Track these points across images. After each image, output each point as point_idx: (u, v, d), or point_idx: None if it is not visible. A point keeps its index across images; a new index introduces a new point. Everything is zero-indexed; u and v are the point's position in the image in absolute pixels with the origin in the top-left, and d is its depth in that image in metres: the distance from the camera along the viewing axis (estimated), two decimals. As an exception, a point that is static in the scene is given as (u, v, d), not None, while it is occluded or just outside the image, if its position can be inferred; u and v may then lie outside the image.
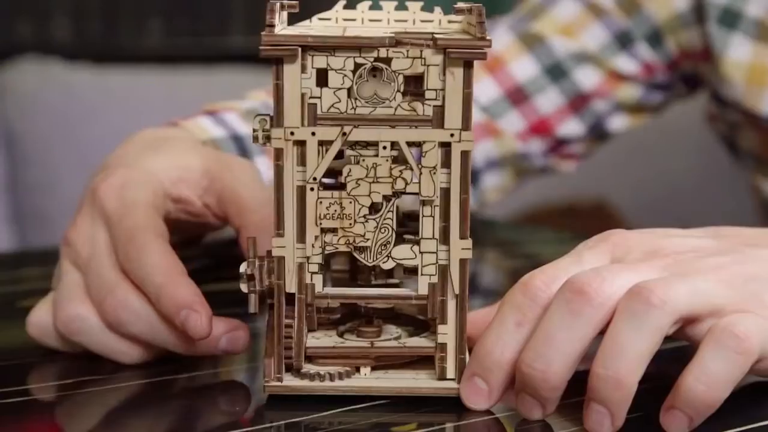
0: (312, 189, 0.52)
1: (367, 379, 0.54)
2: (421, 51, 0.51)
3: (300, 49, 0.51)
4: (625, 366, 0.49)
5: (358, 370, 0.54)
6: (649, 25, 0.92)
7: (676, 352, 0.53)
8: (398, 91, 0.51)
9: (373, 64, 0.51)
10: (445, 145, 0.52)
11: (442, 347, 0.54)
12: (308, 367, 0.54)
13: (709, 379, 0.49)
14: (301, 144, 0.52)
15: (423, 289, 0.53)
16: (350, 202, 0.52)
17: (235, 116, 0.77)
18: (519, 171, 0.98)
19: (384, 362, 0.55)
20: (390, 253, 0.53)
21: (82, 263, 0.59)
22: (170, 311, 0.55)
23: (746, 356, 0.49)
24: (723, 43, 0.89)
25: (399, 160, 0.52)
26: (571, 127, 0.95)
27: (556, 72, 0.93)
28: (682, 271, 0.51)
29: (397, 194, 0.52)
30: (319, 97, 0.51)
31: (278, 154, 0.52)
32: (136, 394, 0.56)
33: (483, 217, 1.01)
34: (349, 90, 0.51)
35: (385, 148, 0.52)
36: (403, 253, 0.53)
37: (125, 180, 0.61)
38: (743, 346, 0.49)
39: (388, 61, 0.51)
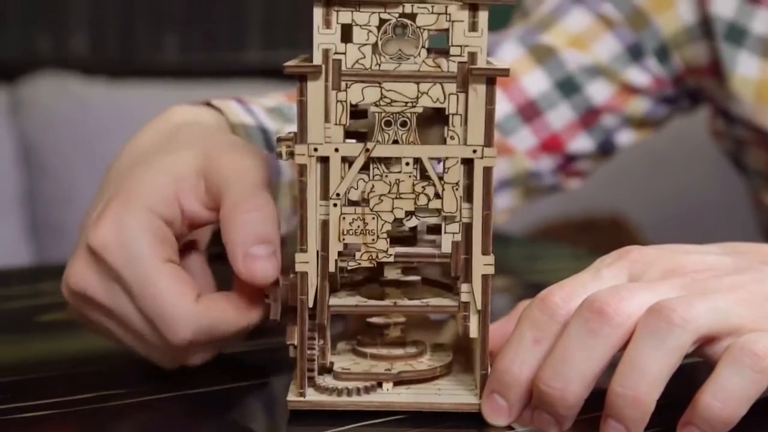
0: (335, 205, 0.52)
1: (389, 395, 0.54)
2: (446, 7, 0.51)
3: (325, 2, 0.51)
4: (644, 384, 0.49)
5: (380, 385, 0.55)
6: (657, 40, 0.91)
7: (693, 368, 0.53)
8: (423, 47, 0.51)
9: (398, 20, 0.51)
10: (468, 162, 0.52)
11: (465, 306, 0.53)
12: (330, 382, 0.54)
13: (726, 396, 0.49)
14: (324, 160, 0.52)
15: (446, 247, 0.53)
16: (373, 218, 0.52)
17: (260, 110, 0.75)
18: (528, 190, 0.97)
19: (406, 378, 0.55)
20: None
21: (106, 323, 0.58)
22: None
23: (764, 374, 0.49)
24: (732, 59, 0.88)
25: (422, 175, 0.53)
26: (582, 143, 0.94)
27: (568, 86, 0.92)
28: (701, 290, 0.51)
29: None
30: (344, 53, 0.51)
31: (302, 170, 0.52)
32: (156, 408, 0.56)
33: (499, 231, 1.02)
34: (374, 46, 0.51)
35: (407, 164, 0.52)
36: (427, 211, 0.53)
37: (117, 225, 0.55)
38: (761, 365, 0.49)
39: (413, 17, 0.51)
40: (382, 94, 0.52)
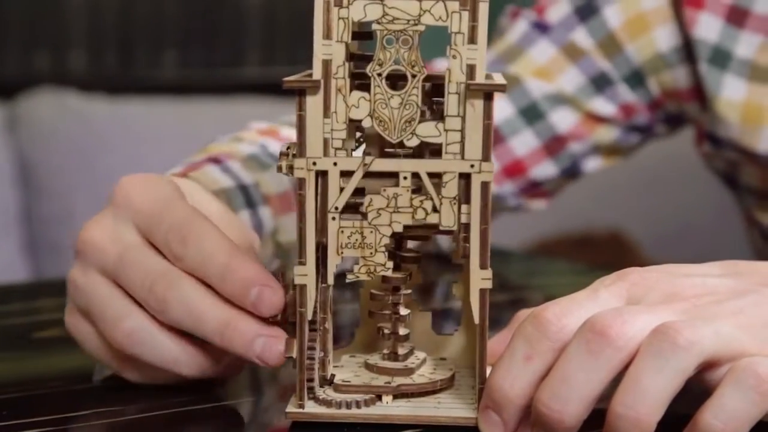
0: (333, 218, 0.52)
1: (388, 407, 0.54)
2: None
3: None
4: (645, 405, 0.48)
5: (379, 398, 0.55)
6: (629, 67, 0.92)
7: (692, 388, 0.53)
8: None
9: None
10: (465, 176, 0.52)
11: (466, 227, 0.53)
12: (330, 394, 0.55)
13: (727, 416, 0.49)
14: (322, 174, 0.52)
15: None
16: (371, 232, 0.53)
17: (237, 164, 0.76)
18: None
19: (406, 391, 0.55)
20: (414, 130, 0.52)
21: (111, 265, 0.57)
22: (238, 290, 0.55)
23: (766, 397, 0.49)
24: (716, 83, 0.88)
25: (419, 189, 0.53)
26: (545, 169, 0.94)
27: (531, 113, 0.93)
28: (702, 316, 0.51)
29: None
30: None
31: (301, 184, 0.52)
32: (153, 422, 0.56)
33: (497, 247, 1.02)
34: None
35: (405, 178, 0.52)
36: (428, 130, 0.52)
37: (146, 177, 0.59)
38: (764, 387, 0.49)
39: None
40: (384, 11, 0.51)
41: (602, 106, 0.93)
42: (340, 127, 0.52)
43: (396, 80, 0.52)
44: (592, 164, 0.96)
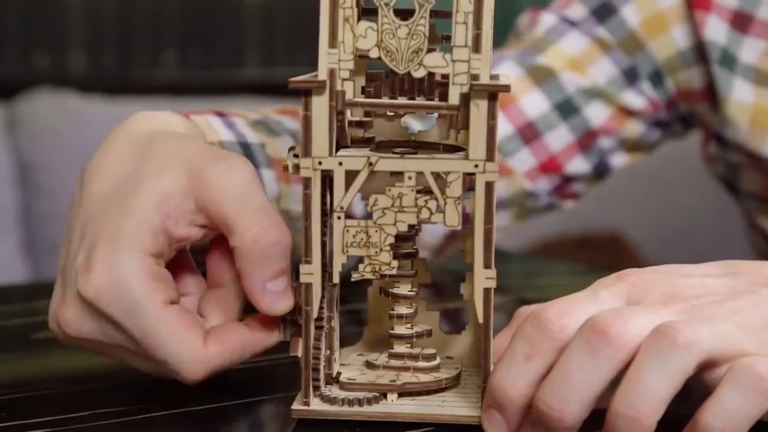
0: (339, 218, 0.53)
1: (393, 405, 0.55)
2: None
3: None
4: (645, 404, 0.48)
5: (385, 396, 0.55)
6: (651, 64, 0.92)
7: (692, 387, 0.53)
8: None
9: None
10: (470, 176, 0.52)
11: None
12: (336, 392, 0.55)
13: (727, 416, 0.49)
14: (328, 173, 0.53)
15: (454, 99, 0.52)
16: (376, 231, 0.53)
17: (243, 123, 0.74)
18: (523, 210, 0.96)
19: (411, 389, 0.55)
20: (422, 60, 0.52)
21: (106, 353, 0.58)
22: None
23: (766, 396, 0.49)
24: (727, 84, 0.88)
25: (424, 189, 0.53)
26: (578, 165, 0.94)
27: (566, 108, 0.92)
28: (701, 316, 0.51)
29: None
30: None
31: (306, 183, 0.52)
32: (157, 423, 0.56)
33: (497, 247, 1.02)
34: None
35: (410, 178, 0.52)
36: (435, 60, 0.52)
37: (109, 272, 0.55)
38: (764, 386, 0.49)
39: None
40: None
41: (633, 99, 0.93)
42: (347, 57, 0.52)
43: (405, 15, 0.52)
44: (619, 160, 0.96)
